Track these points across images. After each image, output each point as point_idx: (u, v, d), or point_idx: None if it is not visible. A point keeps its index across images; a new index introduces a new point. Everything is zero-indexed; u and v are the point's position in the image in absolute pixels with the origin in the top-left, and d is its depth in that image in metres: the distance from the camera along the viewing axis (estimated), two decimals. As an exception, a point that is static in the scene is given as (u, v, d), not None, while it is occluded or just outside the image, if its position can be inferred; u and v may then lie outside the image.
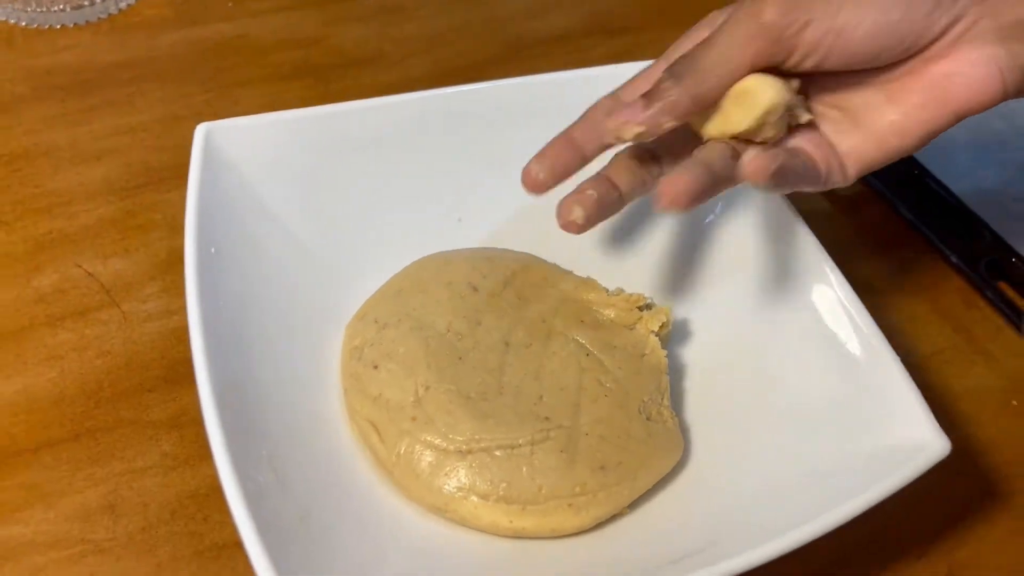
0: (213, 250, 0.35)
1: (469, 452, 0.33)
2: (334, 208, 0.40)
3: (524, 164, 0.33)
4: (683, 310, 0.41)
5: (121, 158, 0.48)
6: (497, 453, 0.33)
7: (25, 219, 0.45)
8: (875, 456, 0.32)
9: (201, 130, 0.37)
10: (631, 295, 0.38)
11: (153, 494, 0.36)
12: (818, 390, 0.36)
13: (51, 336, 0.40)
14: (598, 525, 0.33)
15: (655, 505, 0.35)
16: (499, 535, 0.33)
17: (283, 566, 0.26)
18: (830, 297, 0.36)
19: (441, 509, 0.33)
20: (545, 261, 0.41)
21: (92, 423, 0.37)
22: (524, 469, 0.32)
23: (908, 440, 0.31)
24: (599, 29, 0.60)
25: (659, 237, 0.43)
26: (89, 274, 0.43)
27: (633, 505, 0.34)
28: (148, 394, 0.39)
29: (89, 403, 0.38)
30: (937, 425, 0.31)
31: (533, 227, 0.41)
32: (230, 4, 0.58)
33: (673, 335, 0.40)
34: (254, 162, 0.38)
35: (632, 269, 0.42)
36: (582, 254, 0.42)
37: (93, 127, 0.49)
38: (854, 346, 0.35)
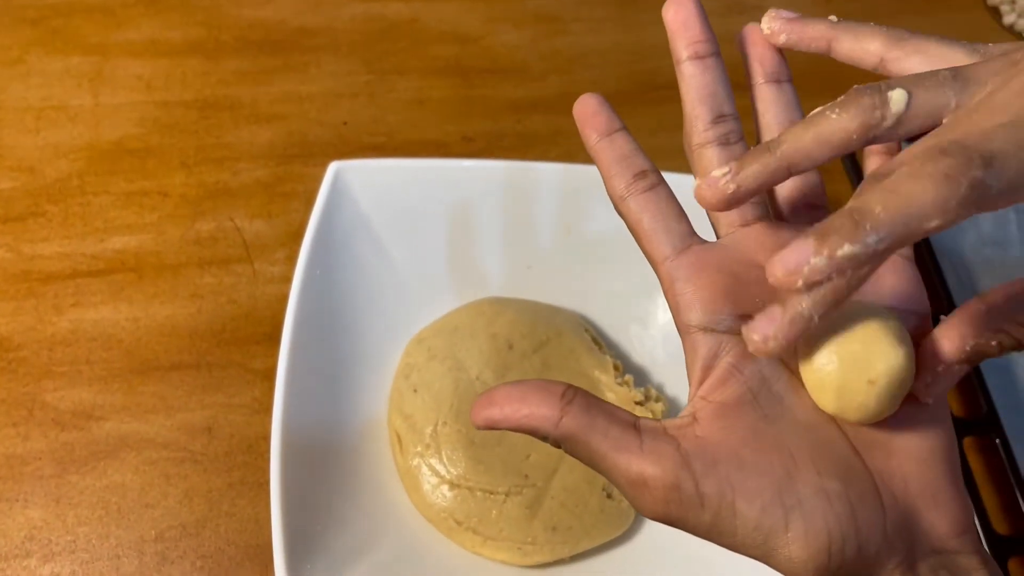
0: (319, 272, 0.45)
1: (458, 486, 0.43)
2: (427, 242, 0.49)
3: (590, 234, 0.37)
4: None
5: (285, 126, 0.58)
6: (478, 493, 0.42)
7: (202, 166, 0.56)
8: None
9: (332, 167, 0.46)
10: (631, 390, 0.46)
11: (239, 427, 0.48)
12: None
13: (198, 277, 0.52)
14: (539, 566, 0.43)
15: (595, 560, 0.44)
16: (464, 549, 0.43)
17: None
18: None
19: (430, 519, 0.43)
20: (583, 329, 0.49)
21: (211, 358, 0.50)
22: (494, 512, 0.42)
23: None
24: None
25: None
26: (237, 229, 0.54)
27: (575, 557, 0.43)
28: (255, 345, 0.50)
29: (213, 341, 0.50)
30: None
31: (587, 287, 0.49)
32: (412, -17, 0.65)
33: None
34: (369, 196, 0.47)
35: (662, 347, 0.50)
36: (622, 317, 0.50)
37: (271, 89, 0.59)
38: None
